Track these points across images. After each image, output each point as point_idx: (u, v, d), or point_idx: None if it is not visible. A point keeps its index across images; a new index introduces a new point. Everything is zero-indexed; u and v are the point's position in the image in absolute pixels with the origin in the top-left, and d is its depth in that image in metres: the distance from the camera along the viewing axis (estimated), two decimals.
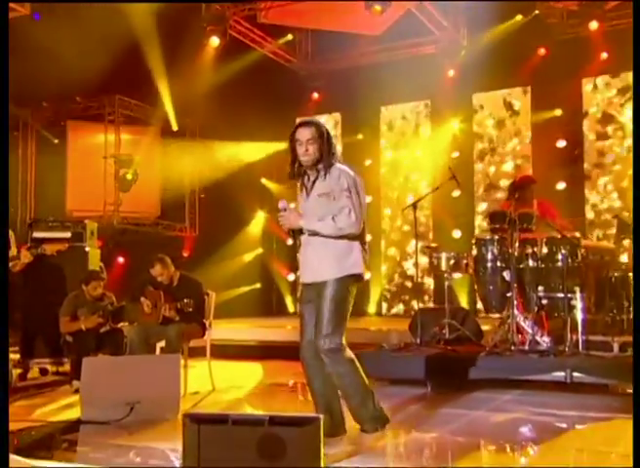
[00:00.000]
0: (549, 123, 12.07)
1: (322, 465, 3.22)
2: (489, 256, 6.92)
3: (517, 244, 6.60)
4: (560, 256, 6.51)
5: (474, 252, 7.08)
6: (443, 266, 7.13)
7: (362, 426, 4.30)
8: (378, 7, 10.46)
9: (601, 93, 12.03)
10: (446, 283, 7.24)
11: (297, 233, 4.33)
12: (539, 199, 7.21)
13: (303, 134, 4.21)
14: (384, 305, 13.54)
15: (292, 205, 4.38)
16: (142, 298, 6.55)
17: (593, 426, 5.03)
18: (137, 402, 5.00)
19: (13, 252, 6.05)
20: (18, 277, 7.09)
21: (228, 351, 8.51)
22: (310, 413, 3.99)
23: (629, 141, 11.54)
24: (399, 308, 13.41)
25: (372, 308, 13.41)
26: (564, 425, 5.08)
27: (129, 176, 11.55)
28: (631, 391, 5.49)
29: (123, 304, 6.88)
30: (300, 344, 4.38)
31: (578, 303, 6.33)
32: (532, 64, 11.95)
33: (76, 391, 5.88)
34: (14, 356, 7.23)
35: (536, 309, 6.63)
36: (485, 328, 7.36)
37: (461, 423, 5.09)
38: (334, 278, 4.19)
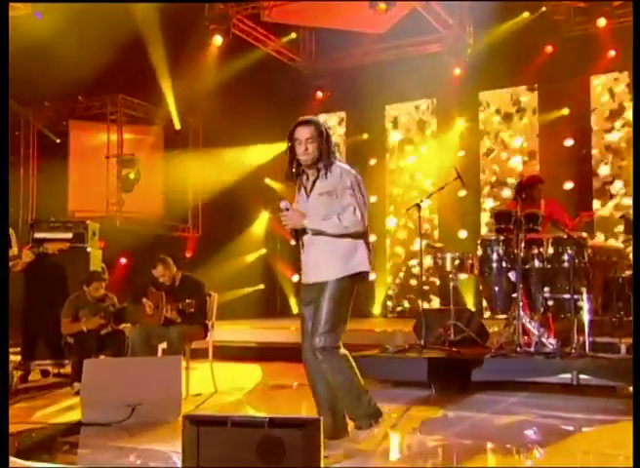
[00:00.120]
0: (557, 121, 12.01)
1: (322, 467, 3.19)
2: (494, 257, 6.87)
3: (523, 244, 6.55)
4: (566, 257, 6.45)
5: (479, 252, 7.03)
6: (448, 267, 7.09)
7: (356, 423, 4.24)
8: (382, 5, 10.41)
9: (609, 90, 11.92)
10: (451, 284, 7.20)
11: (299, 233, 4.27)
12: (546, 199, 7.17)
13: (302, 132, 4.15)
14: (389, 306, 13.49)
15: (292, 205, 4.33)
16: (144, 299, 6.51)
17: (600, 429, 4.98)
18: (138, 404, 4.96)
19: (14, 251, 6.02)
20: (19, 277, 7.09)
21: (231, 352, 8.49)
22: (311, 415, 3.94)
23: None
24: (404, 309, 13.34)
25: (377, 309, 13.38)
26: (570, 428, 5.05)
27: (131, 176, 11.52)
28: None
29: (125, 305, 6.84)
30: (301, 346, 4.34)
31: (584, 304, 6.26)
32: (539, 62, 11.87)
33: (77, 393, 5.84)
34: (15, 358, 7.22)
35: (542, 310, 6.59)
36: (491, 329, 7.32)
37: (466, 426, 5.05)
38: (336, 277, 4.16)
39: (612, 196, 11.83)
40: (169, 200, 12.65)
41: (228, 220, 12.73)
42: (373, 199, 12.80)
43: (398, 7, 10.71)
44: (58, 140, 12.01)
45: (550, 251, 6.59)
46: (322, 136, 4.17)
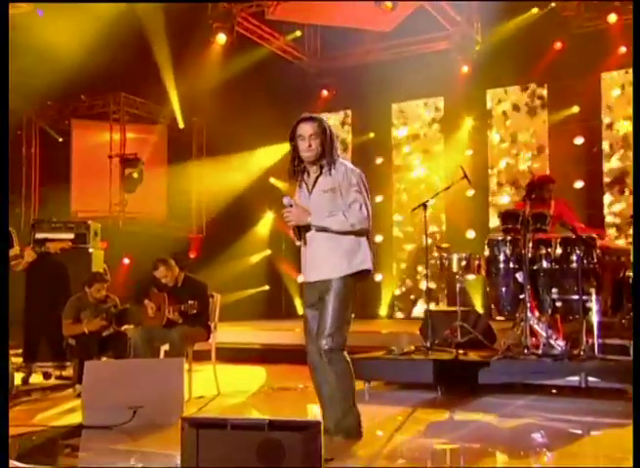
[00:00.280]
0: (567, 119, 11.92)
1: None
2: (501, 257, 6.80)
3: (531, 244, 6.50)
4: (575, 257, 6.37)
5: (486, 252, 6.97)
6: (454, 267, 7.03)
7: (334, 431, 4.15)
8: (388, 4, 10.36)
9: (622, 86, 11.80)
10: (457, 285, 7.14)
11: (302, 230, 4.21)
12: (556, 199, 7.11)
13: (306, 129, 4.17)
14: (396, 307, 13.40)
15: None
16: (146, 301, 6.49)
17: (609, 432, 4.92)
18: (139, 406, 4.93)
19: (16, 250, 5.96)
20: (21, 277, 7.05)
21: (234, 354, 8.47)
22: (311, 418, 3.90)
23: None
24: (411, 310, 13.26)
25: (383, 310, 13.28)
26: (579, 431, 4.99)
27: (135, 176, 11.49)
28: None
29: (127, 307, 6.81)
30: (306, 348, 4.31)
31: (593, 306, 6.18)
32: (548, 59, 11.73)
33: (79, 395, 5.82)
34: (16, 359, 7.20)
35: (550, 312, 6.52)
36: (498, 331, 7.23)
37: (472, 429, 5.00)
38: (340, 276, 4.14)
39: (622, 192, 11.70)
40: (172, 200, 12.64)
41: (233, 221, 12.68)
42: (379, 198, 12.75)
43: (405, 4, 10.63)
44: (60, 139, 12.01)
45: (559, 251, 6.52)
46: (325, 133, 4.19)
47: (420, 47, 12.86)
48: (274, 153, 12.98)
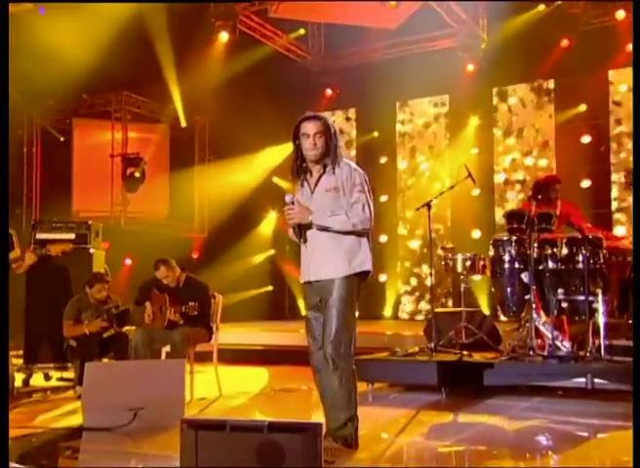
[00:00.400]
0: (574, 118, 11.84)
1: None
2: (506, 258, 6.77)
3: (536, 244, 6.46)
4: (581, 258, 6.35)
5: (491, 252, 6.94)
6: (459, 268, 7.01)
7: (333, 438, 4.08)
8: (393, 2, 10.32)
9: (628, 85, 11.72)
10: (462, 285, 7.11)
11: (303, 229, 4.16)
12: (563, 200, 7.08)
13: (310, 127, 4.12)
14: (401, 308, 13.34)
15: None
16: (147, 303, 6.45)
17: (616, 435, 4.90)
18: (140, 408, 4.90)
19: (16, 253, 5.93)
20: (21, 279, 7.02)
21: (237, 356, 8.42)
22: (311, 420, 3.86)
23: None
24: (416, 310, 13.19)
25: (388, 311, 13.23)
26: (585, 434, 4.97)
27: (137, 176, 11.46)
28: None
29: (128, 308, 6.79)
30: (308, 351, 4.25)
31: (599, 306, 6.14)
32: (555, 57, 11.67)
33: (80, 397, 5.76)
34: (17, 360, 7.18)
35: (555, 313, 6.47)
36: (503, 332, 7.20)
37: (477, 431, 4.98)
38: (342, 276, 4.09)
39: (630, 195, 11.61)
40: (175, 200, 12.62)
41: (235, 221, 12.64)
42: (383, 198, 12.70)
43: (409, 2, 10.59)
44: (61, 139, 11.99)
45: (565, 251, 6.49)
46: (330, 132, 4.16)
47: (424, 45, 12.81)
48: (277, 152, 12.96)
